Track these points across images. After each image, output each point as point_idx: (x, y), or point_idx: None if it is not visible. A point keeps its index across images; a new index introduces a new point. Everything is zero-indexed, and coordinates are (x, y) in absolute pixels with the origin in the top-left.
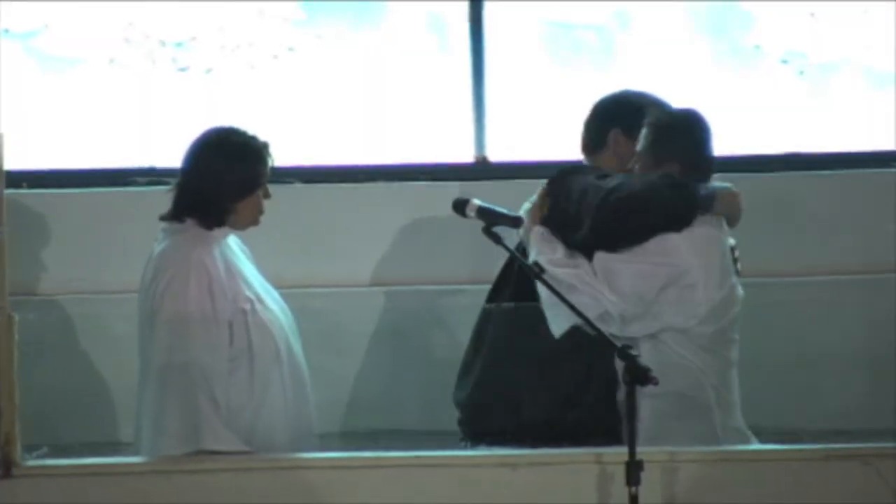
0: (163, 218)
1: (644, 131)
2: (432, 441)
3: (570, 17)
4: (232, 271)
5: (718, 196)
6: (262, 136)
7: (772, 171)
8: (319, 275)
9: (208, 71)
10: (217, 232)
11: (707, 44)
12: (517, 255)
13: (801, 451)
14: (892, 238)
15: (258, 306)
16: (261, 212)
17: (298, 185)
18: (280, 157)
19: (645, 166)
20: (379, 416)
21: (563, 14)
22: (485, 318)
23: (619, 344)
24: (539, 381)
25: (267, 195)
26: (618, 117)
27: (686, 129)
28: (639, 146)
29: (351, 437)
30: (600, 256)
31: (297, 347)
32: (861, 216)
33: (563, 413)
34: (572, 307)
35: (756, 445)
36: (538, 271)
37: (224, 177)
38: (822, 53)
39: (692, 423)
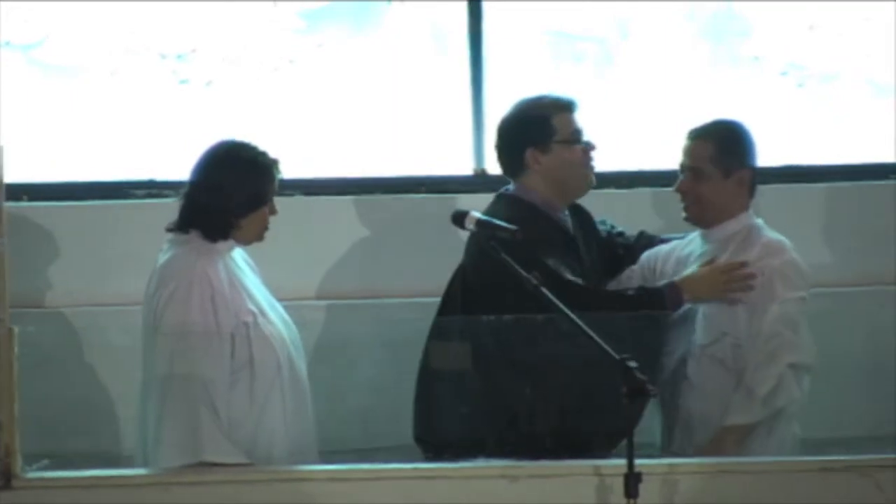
0: (169, 229)
1: (697, 144)
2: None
3: (570, 26)
4: (235, 284)
5: (683, 286)
6: (271, 153)
7: (771, 182)
8: (318, 287)
9: (209, 83)
10: (221, 245)
11: (706, 55)
12: (517, 267)
13: (799, 462)
14: (892, 250)
15: (261, 319)
16: (265, 228)
17: (299, 197)
18: (281, 169)
19: (712, 180)
20: (377, 429)
21: (563, 24)
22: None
23: (617, 356)
24: (540, 393)
25: (273, 212)
26: (528, 136)
27: (748, 137)
28: (691, 160)
29: (350, 450)
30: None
31: (300, 362)
32: (861, 228)
33: (566, 424)
34: (576, 321)
35: (755, 458)
36: (536, 283)
37: (230, 191)
38: (822, 64)
39: (779, 430)
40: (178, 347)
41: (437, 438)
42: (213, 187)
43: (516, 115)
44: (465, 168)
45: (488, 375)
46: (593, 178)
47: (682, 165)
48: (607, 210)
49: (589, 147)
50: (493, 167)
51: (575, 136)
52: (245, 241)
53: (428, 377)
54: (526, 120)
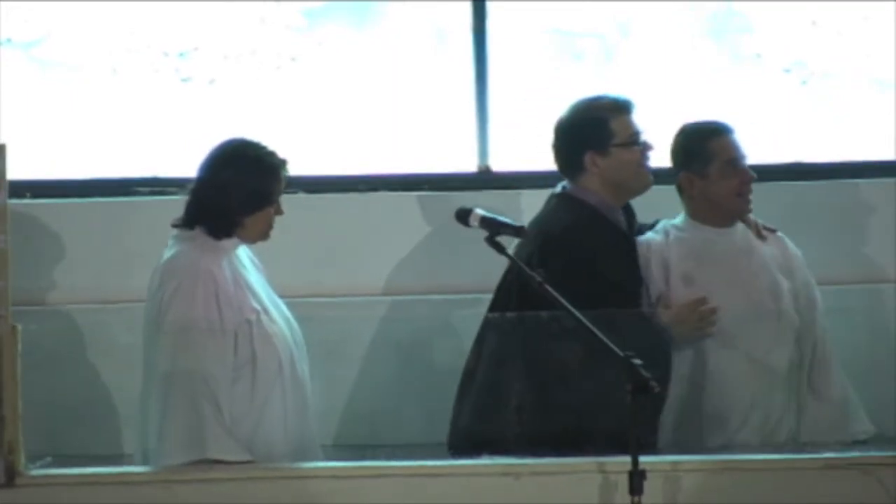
0: (174, 225)
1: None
2: (437, 451)
3: (573, 25)
4: (239, 281)
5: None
6: (280, 153)
7: (774, 180)
8: (322, 285)
9: (211, 81)
10: (226, 242)
11: (709, 53)
12: (521, 264)
13: (801, 460)
14: (893, 247)
15: (264, 318)
16: (271, 227)
17: (302, 195)
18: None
19: None
20: (384, 426)
21: (565, 22)
22: (491, 328)
23: (621, 353)
24: (551, 391)
25: (279, 212)
26: (586, 139)
27: None
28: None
29: (355, 447)
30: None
31: (302, 361)
32: (862, 225)
33: (575, 423)
34: (580, 319)
35: (757, 455)
36: (540, 281)
37: (235, 190)
38: (824, 62)
39: None
40: (181, 343)
41: (478, 443)
42: (218, 185)
43: (574, 117)
44: (469, 165)
45: (542, 374)
46: (651, 179)
47: (742, 157)
48: None
49: (646, 147)
50: (497, 164)
51: (633, 138)
52: (250, 240)
53: (476, 379)
54: (584, 122)
